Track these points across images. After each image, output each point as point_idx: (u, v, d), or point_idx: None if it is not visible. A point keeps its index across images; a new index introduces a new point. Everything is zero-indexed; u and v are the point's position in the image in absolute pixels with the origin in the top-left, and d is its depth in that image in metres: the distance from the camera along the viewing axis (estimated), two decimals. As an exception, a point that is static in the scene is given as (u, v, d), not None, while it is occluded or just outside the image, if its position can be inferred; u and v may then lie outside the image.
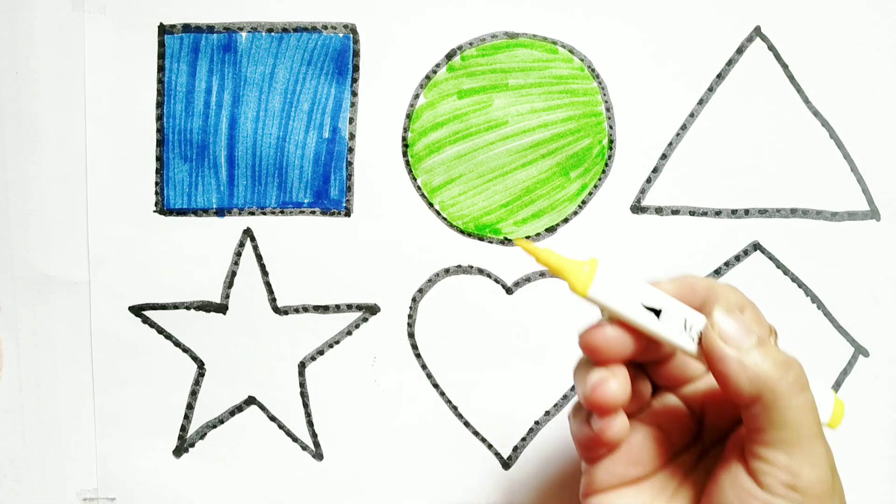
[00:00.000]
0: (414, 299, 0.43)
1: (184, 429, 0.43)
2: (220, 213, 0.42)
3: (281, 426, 0.44)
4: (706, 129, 0.42)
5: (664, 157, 0.42)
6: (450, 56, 0.42)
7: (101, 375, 0.43)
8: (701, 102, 0.42)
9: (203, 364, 0.43)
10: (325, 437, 0.44)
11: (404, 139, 0.42)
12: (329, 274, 0.43)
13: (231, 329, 0.43)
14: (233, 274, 0.43)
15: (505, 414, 0.43)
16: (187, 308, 0.43)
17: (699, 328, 0.30)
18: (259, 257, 0.43)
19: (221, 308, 0.43)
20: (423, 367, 0.43)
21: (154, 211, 0.42)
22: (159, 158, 0.42)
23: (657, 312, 0.30)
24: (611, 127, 0.42)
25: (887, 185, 0.42)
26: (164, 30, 0.41)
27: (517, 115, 0.42)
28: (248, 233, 0.43)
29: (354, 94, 0.42)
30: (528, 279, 0.43)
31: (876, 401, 0.44)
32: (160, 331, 0.43)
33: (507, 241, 0.43)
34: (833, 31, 0.41)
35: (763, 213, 0.42)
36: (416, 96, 0.42)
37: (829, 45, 0.41)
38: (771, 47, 0.42)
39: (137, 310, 0.43)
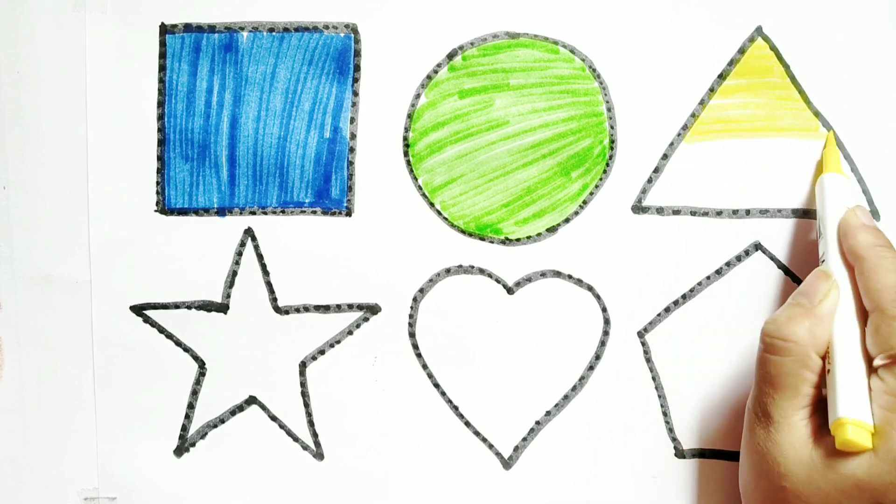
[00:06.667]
0: (415, 299, 0.43)
1: (185, 428, 0.43)
2: (221, 212, 0.42)
3: (282, 426, 0.43)
4: (707, 130, 0.42)
5: (665, 157, 0.42)
6: (451, 56, 0.42)
7: (102, 375, 0.43)
8: (702, 102, 0.42)
9: (204, 364, 0.43)
10: (325, 437, 0.44)
11: (405, 139, 0.42)
12: (330, 274, 0.43)
13: (232, 329, 0.43)
14: (234, 273, 0.43)
15: (505, 414, 0.43)
16: (188, 308, 0.43)
17: None
18: (260, 257, 0.43)
19: (222, 308, 0.43)
20: (424, 367, 0.43)
21: (155, 210, 0.42)
22: (160, 158, 0.42)
23: None
24: (612, 127, 0.42)
25: (887, 185, 0.42)
26: (165, 29, 0.41)
27: (518, 114, 0.42)
28: (249, 232, 0.43)
29: (356, 93, 0.42)
30: (528, 279, 0.43)
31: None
32: (161, 330, 0.43)
33: (507, 241, 0.43)
34: (835, 32, 0.41)
35: (764, 213, 0.42)
36: (418, 96, 0.42)
37: (830, 46, 0.41)
38: (773, 47, 0.42)
39: (138, 309, 0.43)
